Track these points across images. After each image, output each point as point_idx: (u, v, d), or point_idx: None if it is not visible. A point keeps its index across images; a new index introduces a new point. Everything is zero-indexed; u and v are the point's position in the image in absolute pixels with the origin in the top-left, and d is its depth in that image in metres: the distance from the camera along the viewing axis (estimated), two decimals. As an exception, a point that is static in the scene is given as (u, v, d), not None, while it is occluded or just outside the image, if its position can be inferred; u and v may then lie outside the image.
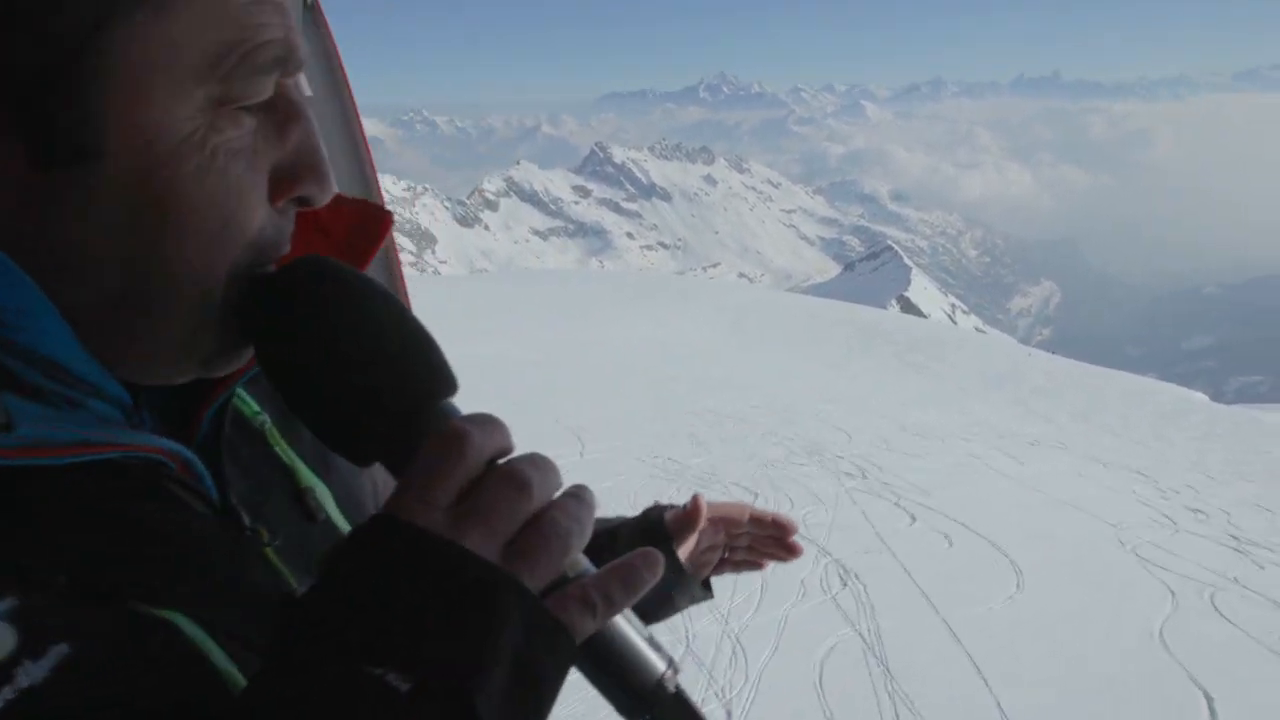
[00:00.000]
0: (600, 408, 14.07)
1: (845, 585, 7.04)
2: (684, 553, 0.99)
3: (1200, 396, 43.13)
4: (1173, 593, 6.82)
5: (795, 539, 1.08)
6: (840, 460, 10.57)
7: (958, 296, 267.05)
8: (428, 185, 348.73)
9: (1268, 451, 17.36)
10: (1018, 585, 6.83)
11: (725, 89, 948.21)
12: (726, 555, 1.08)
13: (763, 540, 1.08)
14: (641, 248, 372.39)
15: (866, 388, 19.44)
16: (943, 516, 8.41)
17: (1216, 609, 6.55)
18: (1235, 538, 8.48)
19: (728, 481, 9.77)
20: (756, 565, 1.11)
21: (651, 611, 0.91)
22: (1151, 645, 5.93)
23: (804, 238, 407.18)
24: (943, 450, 12.51)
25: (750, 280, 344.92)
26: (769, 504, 9.09)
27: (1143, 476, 12.93)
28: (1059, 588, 6.90)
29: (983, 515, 8.46)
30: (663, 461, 10.90)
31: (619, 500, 10.35)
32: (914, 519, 8.30)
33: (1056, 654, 5.63)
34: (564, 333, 23.96)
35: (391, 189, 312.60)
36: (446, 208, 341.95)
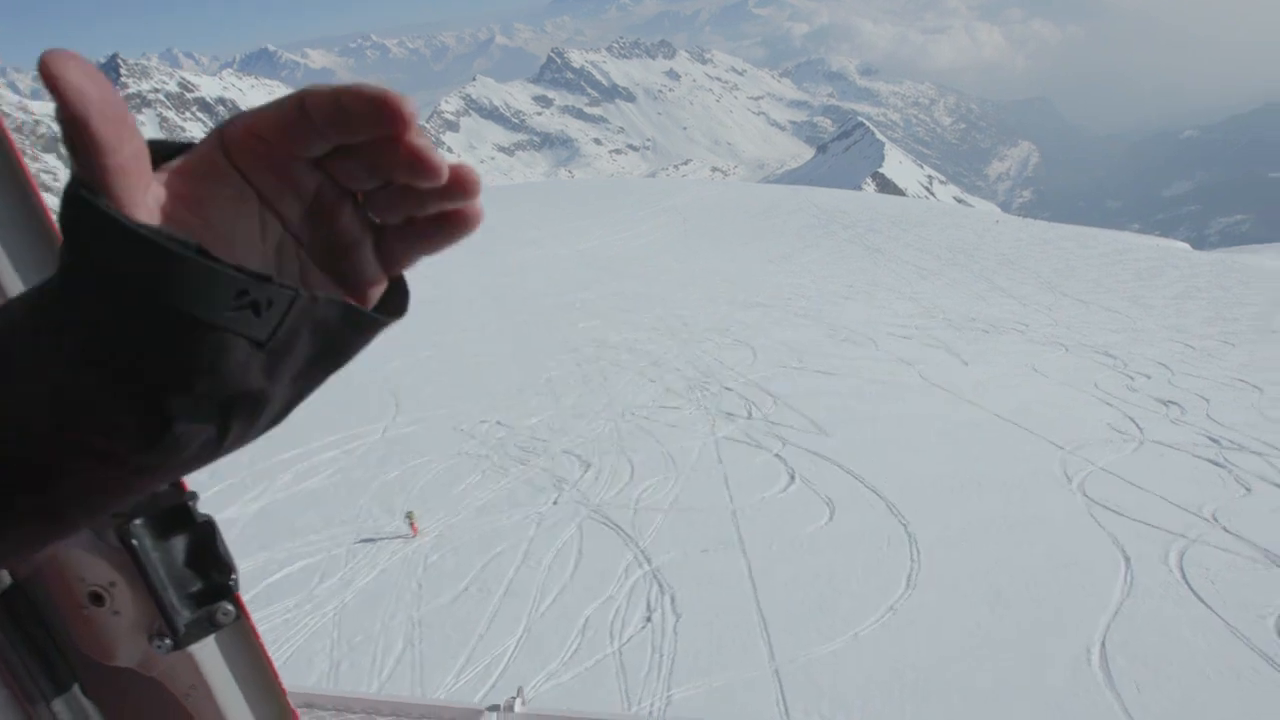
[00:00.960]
0: (450, 359, 12.00)
1: (648, 622, 5.12)
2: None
3: (1181, 245, 41.30)
4: (1127, 559, 5.11)
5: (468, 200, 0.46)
6: (727, 394, 8.73)
7: (934, 167, 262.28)
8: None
9: (1251, 303, 15.68)
10: (908, 584, 5.07)
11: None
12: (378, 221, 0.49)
13: (380, 159, 0.45)
14: (610, 152, 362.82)
15: (807, 282, 17.66)
16: (834, 469, 6.70)
17: (1187, 582, 4.84)
18: (1214, 440, 6.85)
19: (557, 450, 7.84)
20: (462, 223, 0.47)
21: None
22: (1089, 676, 4.24)
23: (774, 124, 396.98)
24: (870, 361, 10.75)
25: (724, 174, 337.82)
26: (601, 475, 7.14)
27: (1109, 359, 11.33)
28: (966, 586, 5.18)
29: (887, 463, 6.74)
30: (488, 428, 8.68)
31: (396, 492, 8.28)
32: (793, 478, 6.58)
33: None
34: (476, 261, 22.02)
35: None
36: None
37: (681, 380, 8.94)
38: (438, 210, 0.47)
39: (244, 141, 0.45)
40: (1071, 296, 15.10)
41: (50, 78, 0.39)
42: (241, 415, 0.47)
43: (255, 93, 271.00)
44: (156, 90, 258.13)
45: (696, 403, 8.35)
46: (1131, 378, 9.23)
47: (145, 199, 0.42)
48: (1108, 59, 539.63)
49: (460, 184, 0.46)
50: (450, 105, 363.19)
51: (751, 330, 11.51)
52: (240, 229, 0.45)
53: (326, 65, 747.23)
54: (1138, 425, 7.25)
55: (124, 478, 0.45)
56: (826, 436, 7.16)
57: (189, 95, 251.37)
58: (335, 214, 0.48)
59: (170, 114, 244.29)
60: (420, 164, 0.45)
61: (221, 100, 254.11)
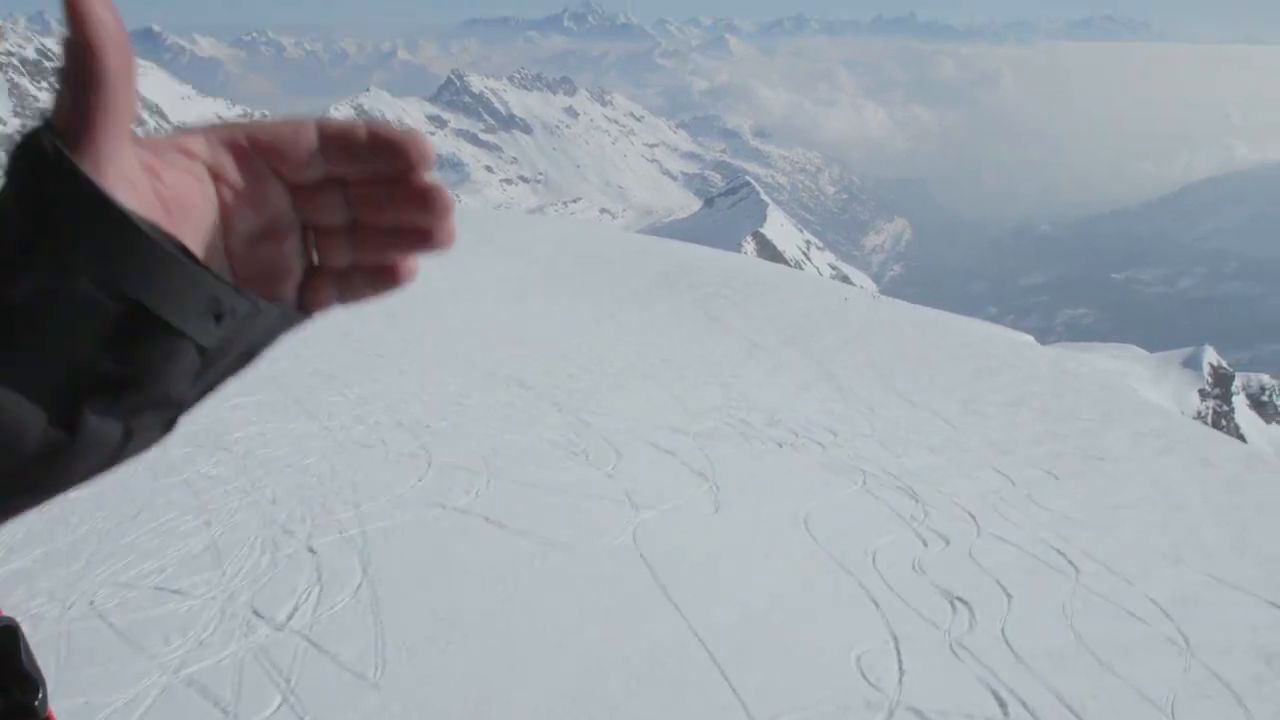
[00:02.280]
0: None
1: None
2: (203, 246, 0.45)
3: (1026, 338, 41.14)
4: None
5: (423, 156, 0.50)
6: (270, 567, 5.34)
7: (815, 233, 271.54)
8: (266, 112, 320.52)
9: (1081, 418, 13.96)
10: None
11: (591, 18, 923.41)
12: (315, 260, 0.51)
13: (379, 207, 0.50)
14: (501, 181, 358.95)
15: (615, 352, 14.80)
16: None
17: None
18: (1004, 702, 4.27)
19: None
20: (390, 279, 0.52)
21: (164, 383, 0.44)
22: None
23: (666, 172, 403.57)
24: (578, 497, 7.54)
25: (613, 215, 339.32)
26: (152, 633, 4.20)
27: (910, 501, 8.74)
28: None
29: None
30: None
31: None
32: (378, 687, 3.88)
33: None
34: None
35: (225, 115, 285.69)
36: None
37: (243, 520, 5.58)
38: (406, 246, 0.49)
39: (239, 144, 0.46)
40: (902, 394, 12.59)
41: (76, 7, 0.36)
42: (151, 423, 0.45)
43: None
44: (10, 54, 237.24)
45: (332, 541, 5.11)
46: (925, 541, 6.55)
47: (121, 160, 0.40)
48: (980, 150, 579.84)
49: (441, 206, 0.49)
50: (340, 113, 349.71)
51: (460, 431, 8.37)
52: (193, 216, 0.43)
53: (215, 55, 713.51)
54: (901, 661, 4.57)
55: (26, 472, 0.41)
56: (459, 616, 4.09)
57: (48, 64, 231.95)
58: (283, 240, 0.48)
59: (24, 80, 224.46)
60: (433, 201, 0.49)
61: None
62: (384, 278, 0.51)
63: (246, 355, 0.48)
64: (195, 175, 0.44)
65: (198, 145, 0.46)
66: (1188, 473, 12.40)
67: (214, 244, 0.45)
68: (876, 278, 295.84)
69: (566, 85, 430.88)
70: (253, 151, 0.47)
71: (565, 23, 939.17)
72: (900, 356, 18.22)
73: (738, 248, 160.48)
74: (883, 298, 27.79)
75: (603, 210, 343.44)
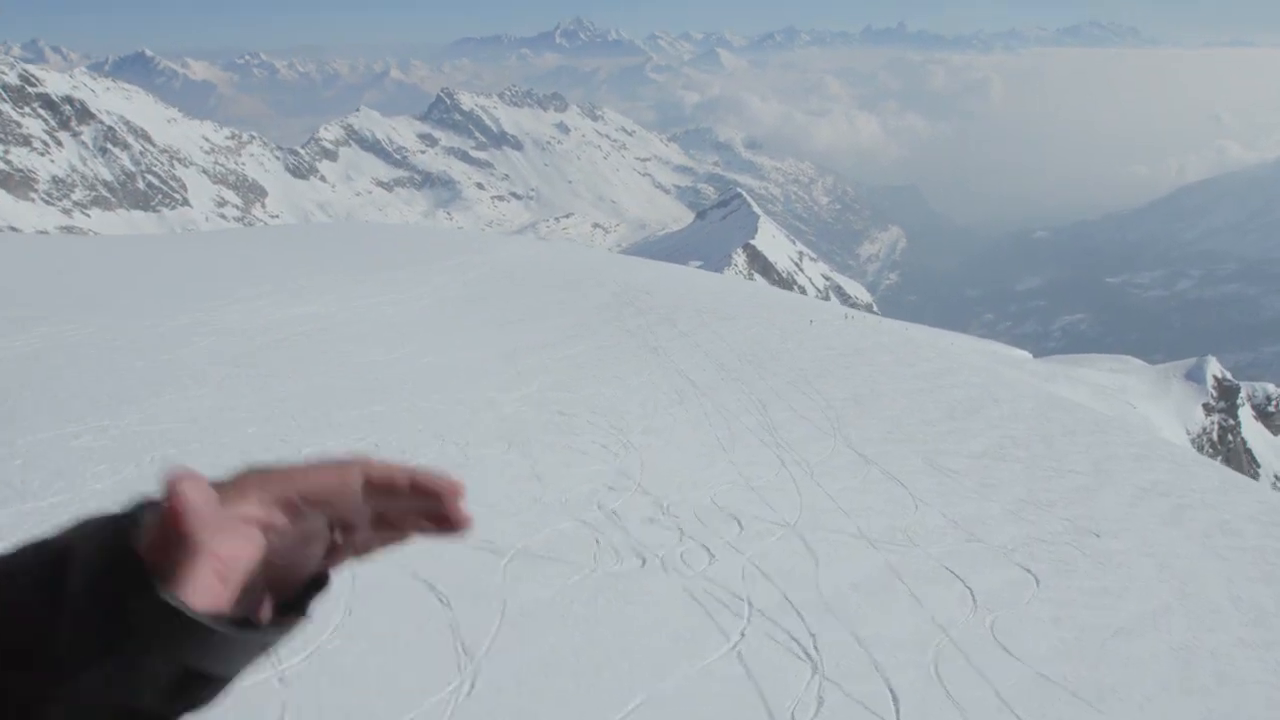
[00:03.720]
0: None
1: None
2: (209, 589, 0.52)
3: (1022, 354, 38.83)
4: None
5: (457, 500, 0.62)
6: None
7: (809, 244, 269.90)
8: (255, 133, 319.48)
9: (1071, 470, 11.56)
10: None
11: (582, 35, 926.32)
12: (338, 540, 0.62)
13: (403, 518, 0.62)
14: (493, 199, 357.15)
15: (517, 397, 12.52)
16: None
17: None
18: None
19: None
20: (396, 537, 0.64)
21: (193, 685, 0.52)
22: None
23: (659, 186, 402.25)
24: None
25: (605, 230, 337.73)
26: None
27: (807, 666, 6.36)
28: None
29: None
30: None
31: None
32: None
33: None
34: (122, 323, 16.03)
35: (212, 137, 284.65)
36: (277, 157, 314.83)
37: None
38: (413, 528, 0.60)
39: (291, 502, 0.54)
40: (854, 447, 10.10)
41: (175, 499, 0.49)
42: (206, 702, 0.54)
43: (109, 95, 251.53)
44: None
45: None
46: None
47: (195, 587, 0.50)
48: (972, 157, 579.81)
49: (450, 523, 0.60)
50: (330, 134, 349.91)
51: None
52: (242, 567, 0.53)
53: (208, 78, 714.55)
54: None
55: None
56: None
57: (31, 90, 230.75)
58: (316, 548, 0.58)
59: (4, 107, 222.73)
60: (459, 525, 0.59)
61: (69, 100, 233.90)
62: (388, 544, 0.62)
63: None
64: (246, 534, 0.52)
65: (252, 509, 0.53)
66: (1205, 549, 10.01)
67: (257, 583, 0.53)
68: (872, 287, 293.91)
69: (557, 101, 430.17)
70: (303, 505, 0.55)
71: (557, 39, 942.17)
72: (862, 394, 15.82)
73: (728, 260, 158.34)
74: (855, 314, 25.23)
75: (595, 225, 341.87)
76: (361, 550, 0.62)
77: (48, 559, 0.51)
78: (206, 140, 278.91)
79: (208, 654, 0.50)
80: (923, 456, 11.66)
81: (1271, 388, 50.49)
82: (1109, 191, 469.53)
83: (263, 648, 0.54)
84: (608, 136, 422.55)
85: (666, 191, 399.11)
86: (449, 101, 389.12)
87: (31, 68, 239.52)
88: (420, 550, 5.61)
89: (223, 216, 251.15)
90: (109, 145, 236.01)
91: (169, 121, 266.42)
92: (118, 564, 0.49)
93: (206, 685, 0.51)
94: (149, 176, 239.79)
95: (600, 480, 8.01)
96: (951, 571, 7.19)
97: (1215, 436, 41.37)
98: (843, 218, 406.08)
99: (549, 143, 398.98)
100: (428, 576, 5.88)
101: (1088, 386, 32.07)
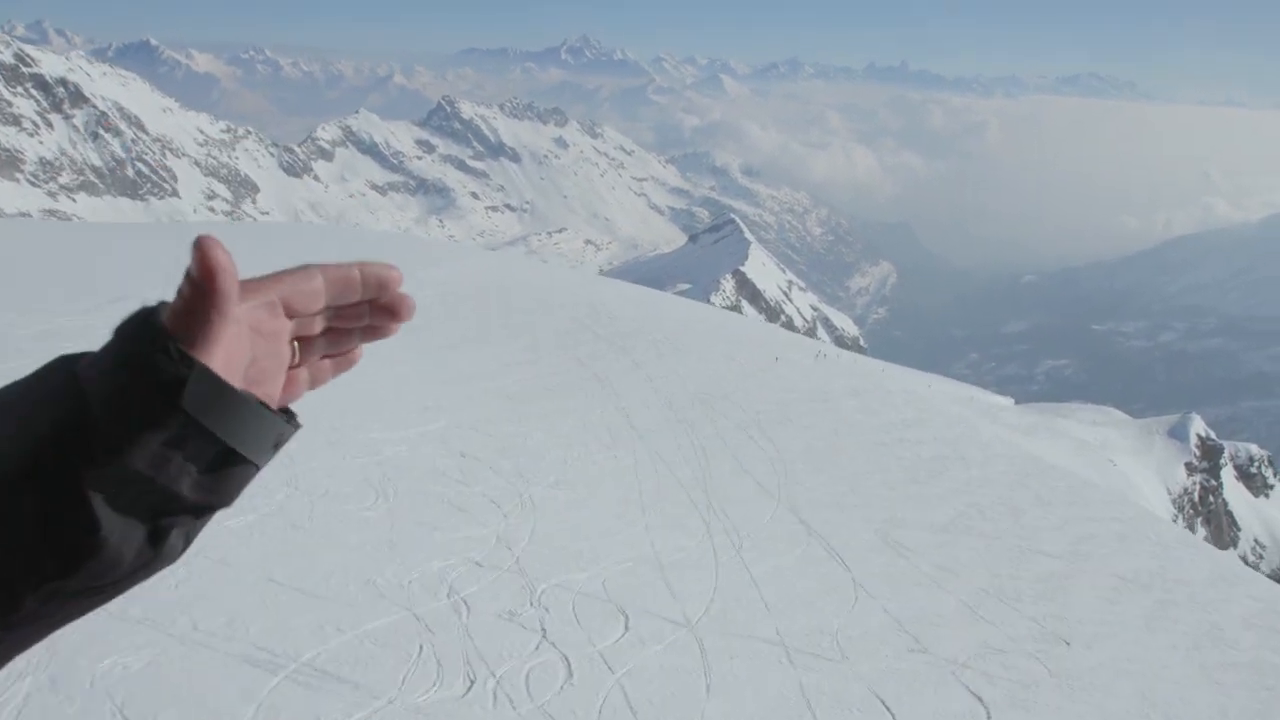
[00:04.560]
0: None
1: None
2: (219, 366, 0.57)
3: (1004, 401, 37.62)
4: None
5: (399, 291, 0.69)
6: None
7: (800, 273, 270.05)
8: (250, 129, 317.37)
9: (1045, 554, 10.21)
10: None
11: (588, 53, 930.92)
12: (296, 361, 0.68)
13: (351, 313, 0.69)
14: (487, 209, 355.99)
15: (422, 442, 11.03)
16: None
17: None
18: None
19: None
20: (347, 364, 0.72)
21: (204, 487, 0.57)
22: None
23: (654, 207, 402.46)
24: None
25: (598, 247, 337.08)
26: None
27: None
28: None
29: None
30: None
31: None
32: None
33: None
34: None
35: (207, 130, 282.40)
36: (272, 154, 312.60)
37: None
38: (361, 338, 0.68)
39: (272, 303, 0.61)
40: (796, 513, 8.58)
41: (203, 258, 0.52)
42: (204, 525, 0.59)
43: (105, 81, 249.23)
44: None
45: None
46: None
47: (214, 351, 0.54)
48: (966, 198, 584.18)
49: (395, 309, 0.67)
50: (327, 134, 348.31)
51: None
52: (238, 363, 0.58)
53: (211, 71, 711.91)
54: None
55: (113, 583, 0.53)
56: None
57: (25, 70, 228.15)
58: (283, 356, 0.64)
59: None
60: (401, 310, 0.66)
61: (63, 82, 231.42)
62: (343, 363, 0.70)
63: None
64: (240, 335, 0.58)
65: (242, 313, 0.58)
66: (1194, 665, 8.57)
67: (244, 375, 0.59)
68: (860, 320, 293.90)
69: (557, 116, 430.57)
70: (280, 306, 0.62)
71: (563, 56, 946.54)
72: (819, 447, 14.38)
73: (716, 285, 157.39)
74: (830, 351, 23.83)
75: (588, 241, 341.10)
76: (316, 375, 0.69)
77: (76, 359, 0.56)
78: (201, 132, 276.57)
79: (234, 426, 0.54)
80: (876, 528, 10.26)
81: (1254, 448, 49.56)
82: (1098, 240, 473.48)
83: (278, 436, 0.60)
84: (606, 154, 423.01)
85: (661, 212, 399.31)
86: (449, 109, 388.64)
87: (29, 48, 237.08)
88: (160, 664, 4.54)
89: (211, 210, 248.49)
90: (100, 131, 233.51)
91: (164, 111, 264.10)
92: (143, 332, 0.53)
93: (236, 472, 0.56)
94: (139, 164, 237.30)
95: (468, 551, 6.55)
96: (882, 702, 5.75)
97: (1197, 497, 40.28)
98: (835, 249, 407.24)
99: (546, 157, 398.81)
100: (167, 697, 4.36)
101: (1068, 441, 30.91)
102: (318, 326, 0.66)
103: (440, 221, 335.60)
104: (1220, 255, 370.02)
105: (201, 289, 0.52)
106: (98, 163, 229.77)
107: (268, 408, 0.57)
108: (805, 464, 12.29)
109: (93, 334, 13.22)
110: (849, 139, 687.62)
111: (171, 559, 0.56)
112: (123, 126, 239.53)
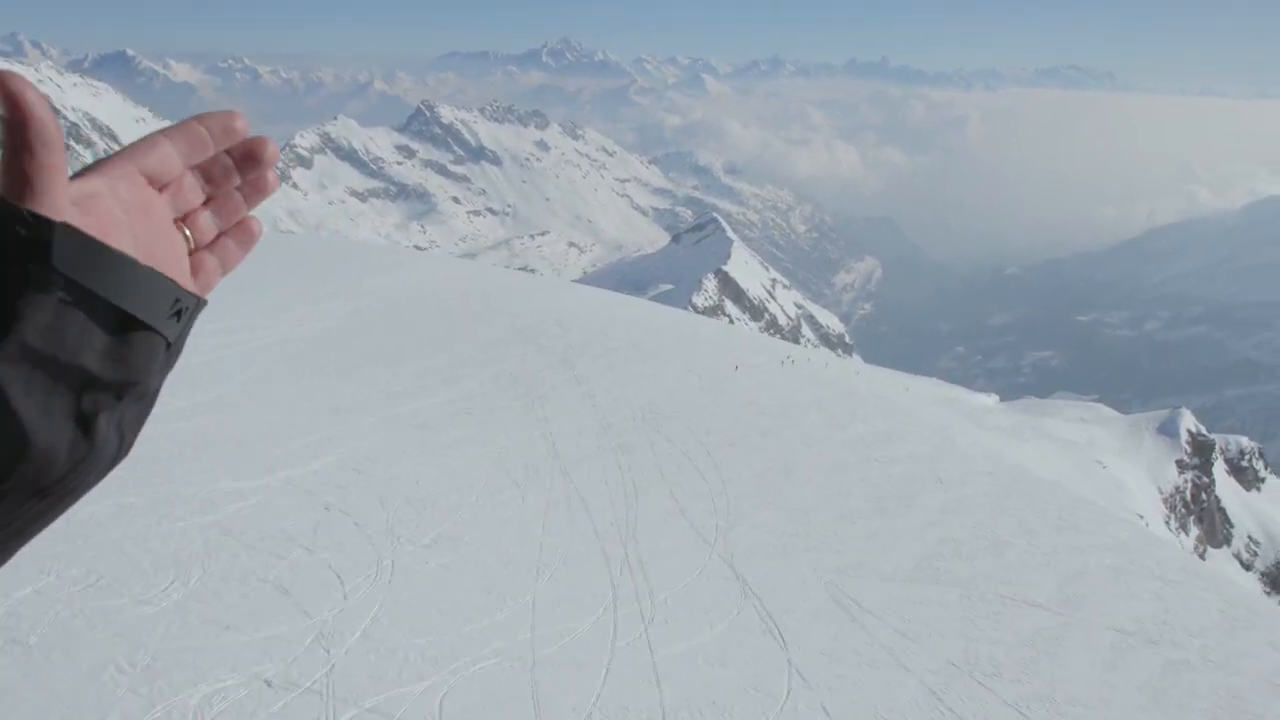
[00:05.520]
0: None
1: None
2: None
3: (988, 400, 36.22)
4: None
5: (252, 135, 0.67)
6: None
7: (785, 271, 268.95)
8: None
9: (1029, 602, 8.68)
10: None
11: (569, 55, 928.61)
12: (194, 243, 0.65)
13: (218, 172, 0.65)
14: (468, 213, 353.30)
15: (284, 492, 9.38)
16: None
17: None
18: None
19: None
20: (248, 237, 0.69)
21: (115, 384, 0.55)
22: None
23: (637, 207, 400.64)
24: None
25: (581, 250, 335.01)
26: None
27: None
28: None
29: None
30: None
31: None
32: None
33: None
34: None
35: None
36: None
37: None
38: (241, 194, 0.64)
39: (130, 172, 0.57)
40: (736, 563, 6.58)
41: (10, 93, 0.47)
42: (138, 419, 0.55)
43: (76, 92, 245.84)
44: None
45: None
46: None
47: (64, 202, 0.50)
48: (949, 192, 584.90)
49: (256, 155, 0.64)
50: (306, 141, 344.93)
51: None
52: (116, 236, 0.54)
53: (189, 80, 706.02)
54: None
55: (56, 483, 0.50)
56: None
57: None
58: (172, 234, 0.61)
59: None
60: (263, 150, 0.64)
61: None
62: (243, 236, 0.67)
63: (182, 346, 0.59)
64: (107, 206, 0.54)
65: (98, 184, 0.55)
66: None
67: (134, 254, 0.55)
68: (846, 317, 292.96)
69: (538, 118, 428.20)
70: (138, 176, 0.58)
71: (544, 58, 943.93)
72: (773, 471, 12.76)
73: (699, 286, 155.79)
74: (797, 357, 21.95)
75: (571, 244, 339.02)
76: (223, 256, 0.66)
77: None
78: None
79: (119, 285, 0.52)
80: (828, 581, 8.66)
81: (1245, 441, 48.36)
82: (1080, 231, 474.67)
83: (176, 302, 0.56)
84: (588, 156, 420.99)
85: (644, 213, 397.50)
86: (429, 114, 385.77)
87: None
88: None
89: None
90: (72, 143, 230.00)
91: (137, 121, 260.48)
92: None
93: (139, 339, 0.53)
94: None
95: (262, 663, 4.87)
96: None
97: (1189, 496, 38.97)
98: (819, 246, 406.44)
99: (528, 160, 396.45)
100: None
101: (1055, 443, 29.45)
102: (194, 197, 0.63)
103: (422, 227, 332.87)
104: (1203, 244, 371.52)
105: (17, 125, 0.48)
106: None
107: (153, 269, 0.54)
108: (754, 496, 10.68)
109: None
110: (831, 135, 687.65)
111: (110, 452, 0.53)
112: (94, 138, 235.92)
